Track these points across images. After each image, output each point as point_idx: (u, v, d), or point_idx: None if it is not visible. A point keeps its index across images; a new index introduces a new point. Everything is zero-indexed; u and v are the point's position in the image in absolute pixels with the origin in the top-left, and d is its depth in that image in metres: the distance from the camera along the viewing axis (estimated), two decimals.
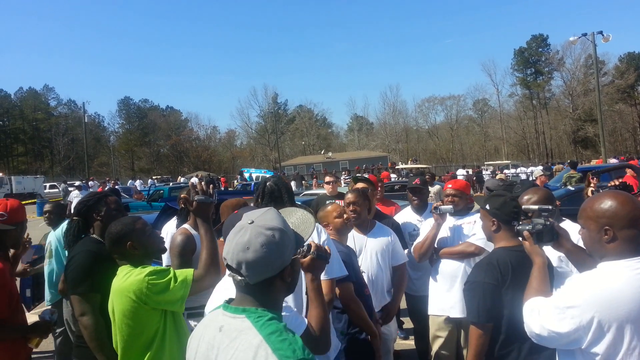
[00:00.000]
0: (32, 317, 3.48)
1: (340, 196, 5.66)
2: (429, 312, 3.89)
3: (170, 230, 4.01)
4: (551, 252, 2.42)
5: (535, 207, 2.49)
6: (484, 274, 2.64)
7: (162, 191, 21.57)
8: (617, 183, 3.54)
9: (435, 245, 3.87)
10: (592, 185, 4.18)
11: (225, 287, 2.05)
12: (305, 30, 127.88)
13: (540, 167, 28.70)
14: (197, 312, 3.16)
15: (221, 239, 3.91)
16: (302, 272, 1.99)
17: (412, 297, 4.51)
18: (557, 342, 1.89)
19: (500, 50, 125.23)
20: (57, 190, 39.38)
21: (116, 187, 26.22)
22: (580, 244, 2.38)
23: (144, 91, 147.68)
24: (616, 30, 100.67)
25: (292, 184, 28.42)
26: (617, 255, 1.83)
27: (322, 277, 2.56)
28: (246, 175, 42.96)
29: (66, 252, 3.57)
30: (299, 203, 3.41)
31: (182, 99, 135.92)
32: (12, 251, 3.69)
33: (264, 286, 1.46)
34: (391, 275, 3.93)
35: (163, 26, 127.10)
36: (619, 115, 70.52)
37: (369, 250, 3.80)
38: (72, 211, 3.41)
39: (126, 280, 2.40)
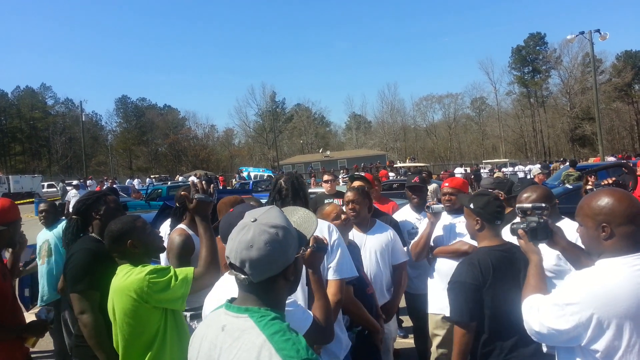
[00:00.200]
0: (30, 316, 3.47)
1: (339, 195, 5.67)
2: (428, 311, 3.90)
3: (165, 231, 3.99)
4: (549, 251, 2.43)
5: (529, 205, 2.50)
6: (465, 274, 2.67)
7: (160, 190, 21.56)
8: (610, 182, 3.57)
9: (432, 244, 3.88)
10: (589, 183, 4.20)
11: (224, 286, 2.05)
12: (303, 29, 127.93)
13: (538, 166, 28.72)
14: (199, 314, 3.16)
15: (218, 237, 3.92)
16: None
17: (411, 296, 4.52)
18: (557, 340, 1.89)
19: (497, 48, 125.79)
20: (55, 189, 39.33)
21: (114, 186, 26.20)
22: (579, 242, 2.40)
23: (142, 90, 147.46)
24: (613, 28, 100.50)
25: None
26: (615, 252, 1.84)
27: (332, 276, 2.56)
28: (244, 174, 42.93)
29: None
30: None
31: (180, 98, 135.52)
32: (10, 250, 3.69)
33: (267, 285, 1.45)
34: (391, 273, 3.94)
35: (161, 25, 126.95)
36: (616, 114, 70.63)
37: (369, 249, 3.80)
38: (69, 210, 3.42)
39: (127, 279, 2.40)
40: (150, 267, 2.46)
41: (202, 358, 1.48)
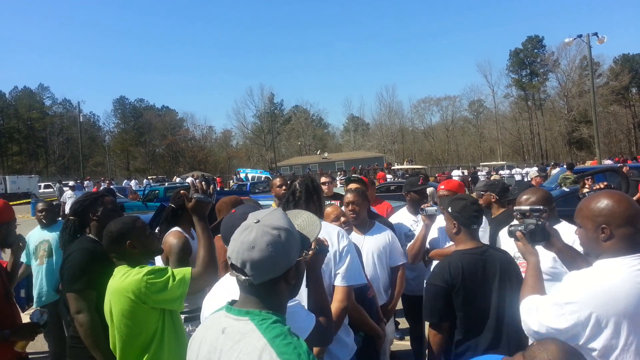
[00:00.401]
0: (26, 317, 3.46)
1: (336, 197, 5.67)
2: None
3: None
4: (545, 253, 2.44)
5: (527, 207, 2.51)
6: (436, 277, 2.79)
7: (157, 191, 21.50)
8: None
9: (428, 246, 3.88)
10: (586, 186, 4.22)
11: (223, 287, 2.04)
12: (301, 30, 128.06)
13: (536, 168, 28.81)
14: (193, 316, 3.14)
15: (218, 235, 3.90)
16: None
17: (408, 298, 4.51)
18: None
19: (495, 51, 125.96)
20: (51, 190, 39.23)
21: (111, 187, 26.13)
22: (576, 245, 2.41)
23: (140, 91, 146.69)
24: (611, 31, 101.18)
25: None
26: (613, 253, 1.86)
27: (340, 282, 2.54)
28: (242, 175, 42.90)
29: None
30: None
31: (178, 99, 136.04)
32: (5, 251, 3.67)
33: (268, 287, 1.44)
34: (389, 275, 3.94)
35: (159, 25, 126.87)
36: (613, 117, 70.88)
37: (366, 250, 3.80)
38: (65, 211, 3.41)
39: (124, 280, 2.40)
40: (147, 268, 2.45)
41: None
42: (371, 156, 61.52)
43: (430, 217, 3.80)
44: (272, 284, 1.44)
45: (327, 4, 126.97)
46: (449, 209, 2.92)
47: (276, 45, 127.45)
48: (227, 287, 1.97)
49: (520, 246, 2.33)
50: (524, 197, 3.06)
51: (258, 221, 1.45)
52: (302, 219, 1.74)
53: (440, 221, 3.91)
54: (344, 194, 4.31)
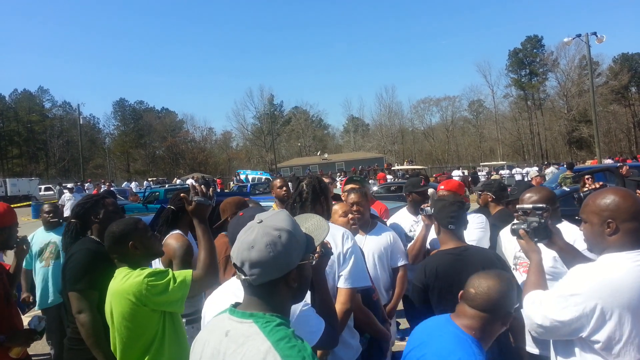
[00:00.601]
0: (26, 320, 3.46)
1: (335, 197, 5.67)
2: None
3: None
4: (546, 252, 2.45)
5: (530, 205, 2.52)
6: (416, 276, 2.93)
7: (157, 193, 21.49)
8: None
9: (428, 247, 3.88)
10: (586, 185, 4.23)
11: (225, 290, 2.04)
12: (300, 31, 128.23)
13: (536, 168, 28.84)
14: (194, 318, 3.14)
15: (221, 234, 3.89)
16: None
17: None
18: (559, 332, 1.92)
19: (495, 51, 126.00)
20: (52, 192, 39.25)
21: (111, 189, 26.12)
22: (576, 244, 2.42)
23: (139, 93, 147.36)
24: (610, 31, 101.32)
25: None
26: (618, 248, 1.91)
27: (343, 285, 2.52)
28: (242, 176, 42.89)
29: None
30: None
31: (178, 101, 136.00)
32: (10, 253, 3.67)
33: (269, 289, 1.42)
34: (390, 276, 3.93)
35: (158, 27, 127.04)
36: (613, 116, 70.85)
37: (367, 250, 3.79)
38: (63, 214, 3.41)
39: (125, 282, 2.40)
40: (148, 270, 2.45)
41: None
42: (371, 157, 61.54)
43: (431, 218, 3.80)
44: (272, 285, 1.42)
45: (327, 5, 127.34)
46: (432, 210, 3.08)
47: (275, 46, 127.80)
48: (227, 291, 1.96)
49: (523, 244, 2.35)
50: (527, 195, 3.07)
51: (261, 221, 1.45)
52: (310, 222, 1.73)
53: None
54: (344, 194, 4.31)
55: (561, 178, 11.58)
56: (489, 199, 4.66)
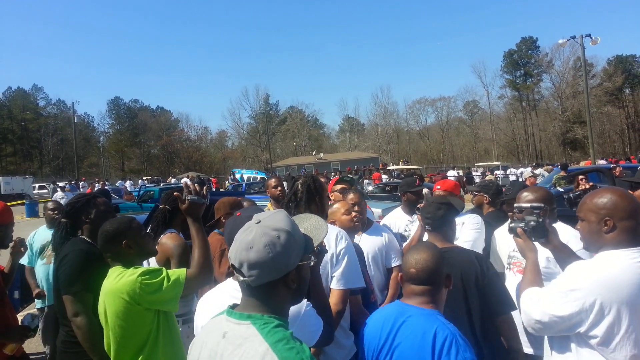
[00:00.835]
0: (20, 318, 3.45)
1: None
2: None
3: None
4: (539, 253, 2.46)
5: (527, 204, 2.53)
6: None
7: (152, 192, 21.44)
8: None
9: None
10: (580, 186, 4.26)
11: (219, 291, 2.02)
12: (297, 31, 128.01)
13: (529, 169, 28.93)
14: (189, 318, 3.12)
15: (214, 232, 3.87)
16: None
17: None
18: (558, 327, 1.93)
19: (490, 52, 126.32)
20: (46, 190, 39.03)
21: (105, 187, 26.04)
22: (570, 244, 2.43)
23: (134, 91, 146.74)
24: (604, 33, 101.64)
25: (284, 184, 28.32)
26: (615, 246, 1.94)
27: (335, 285, 2.51)
28: (237, 176, 42.84)
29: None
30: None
31: (173, 99, 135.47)
32: (5, 252, 3.65)
33: (267, 290, 1.41)
34: (385, 276, 3.93)
35: (154, 26, 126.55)
36: (607, 117, 71.32)
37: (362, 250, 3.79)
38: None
39: (119, 281, 2.38)
40: (142, 268, 2.44)
41: None
42: (366, 157, 61.59)
43: None
44: (271, 286, 1.41)
45: (322, 5, 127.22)
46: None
47: (271, 46, 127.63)
48: (224, 292, 1.95)
49: (521, 242, 2.36)
50: (524, 194, 3.08)
51: (259, 222, 1.44)
52: (309, 222, 1.72)
53: None
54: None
55: (555, 179, 11.63)
56: (485, 201, 4.68)
